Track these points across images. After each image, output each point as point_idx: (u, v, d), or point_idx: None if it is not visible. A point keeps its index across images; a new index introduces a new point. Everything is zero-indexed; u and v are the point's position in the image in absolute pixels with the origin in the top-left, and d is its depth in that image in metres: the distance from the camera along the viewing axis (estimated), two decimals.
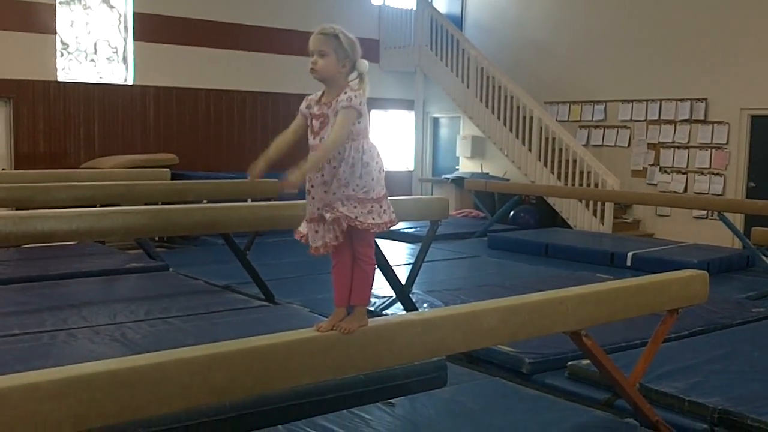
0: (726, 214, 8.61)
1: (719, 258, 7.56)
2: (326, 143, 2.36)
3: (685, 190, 10.97)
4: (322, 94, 2.47)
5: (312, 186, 2.41)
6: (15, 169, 9.85)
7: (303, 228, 2.49)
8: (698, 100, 10.81)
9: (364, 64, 2.45)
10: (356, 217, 2.35)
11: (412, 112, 13.54)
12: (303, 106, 2.50)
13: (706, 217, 10.49)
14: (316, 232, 2.42)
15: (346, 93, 2.38)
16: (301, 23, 11.80)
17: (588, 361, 3.73)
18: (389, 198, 2.46)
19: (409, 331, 2.59)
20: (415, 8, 12.99)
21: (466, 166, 13.37)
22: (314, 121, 2.44)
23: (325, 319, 2.52)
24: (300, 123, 2.51)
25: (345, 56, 2.41)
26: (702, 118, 10.81)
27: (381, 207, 2.40)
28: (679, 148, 11.08)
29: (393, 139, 13.80)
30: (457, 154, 13.62)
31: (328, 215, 2.36)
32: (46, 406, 1.83)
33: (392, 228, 2.48)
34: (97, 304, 4.92)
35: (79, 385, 1.89)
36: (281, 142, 2.49)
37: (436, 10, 13.04)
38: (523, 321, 2.88)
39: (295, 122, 2.51)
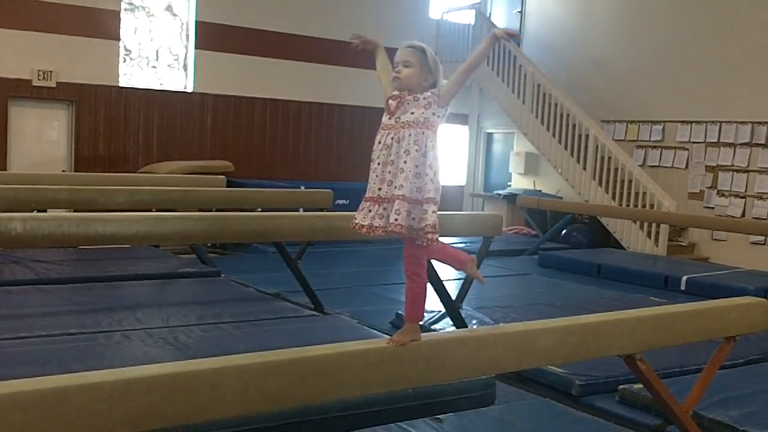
0: None
1: None
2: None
3: (743, 214, 10.74)
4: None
5: (378, 163, 2.42)
6: (74, 171, 10.09)
7: (358, 215, 2.47)
8: (760, 123, 10.59)
9: (444, 84, 2.50)
10: (407, 226, 2.35)
11: (466, 127, 13.52)
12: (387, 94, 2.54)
13: (764, 243, 10.26)
14: (369, 211, 2.42)
15: (428, 91, 2.47)
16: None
17: (639, 386, 3.67)
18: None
19: (462, 348, 2.58)
20: (473, 23, 13.00)
21: (519, 183, 13.29)
22: (391, 101, 2.48)
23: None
24: (386, 79, 2.59)
25: (428, 71, 2.47)
26: (763, 141, 10.57)
27: (425, 209, 2.38)
28: (738, 171, 10.86)
29: (446, 154, 13.80)
30: (509, 170, 13.55)
31: (389, 221, 2.36)
32: (106, 406, 1.87)
33: (437, 241, 2.44)
34: (151, 307, 5.00)
35: (139, 387, 1.93)
36: (383, 60, 2.66)
37: (495, 25, 13.01)
38: (578, 342, 2.85)
39: (388, 76, 2.57)
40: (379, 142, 2.44)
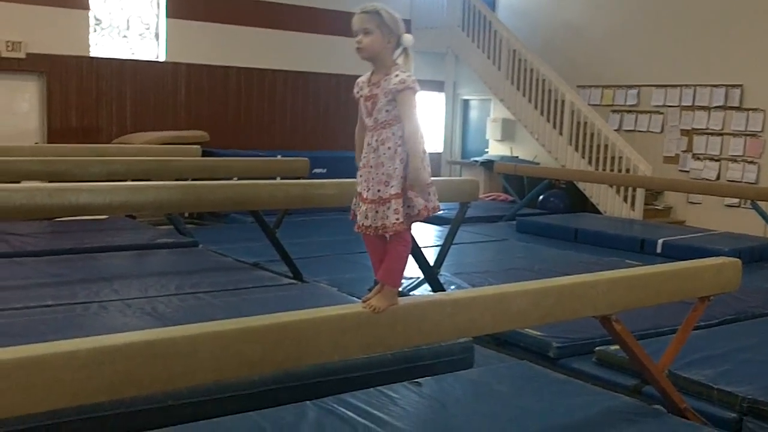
0: (759, 202, 8.51)
1: (751, 247, 7.47)
2: (410, 141, 2.38)
3: (718, 177, 10.84)
4: (371, 74, 2.48)
5: (371, 165, 2.42)
6: (47, 143, 9.96)
7: (359, 218, 2.49)
8: (733, 86, 10.65)
9: (408, 38, 2.46)
10: (406, 217, 2.39)
11: (443, 94, 13.48)
12: (354, 91, 2.51)
13: (739, 206, 10.36)
14: (377, 212, 2.42)
15: (397, 75, 2.40)
16: (336, 2, 11.78)
17: (616, 347, 3.72)
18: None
19: (438, 311, 2.60)
20: None
21: (496, 149, 13.31)
22: (366, 103, 2.46)
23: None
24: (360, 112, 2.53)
25: (389, 32, 2.42)
26: (737, 104, 10.65)
27: (424, 197, 2.43)
28: (712, 134, 10.94)
29: (423, 121, 13.74)
30: (486, 137, 13.55)
31: (380, 224, 2.39)
32: (83, 374, 1.87)
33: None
34: (129, 278, 4.98)
35: (116, 354, 1.92)
36: (359, 140, 2.51)
37: None
38: (552, 304, 2.87)
39: (360, 114, 2.52)
40: (368, 144, 2.44)
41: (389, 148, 2.39)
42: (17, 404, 1.80)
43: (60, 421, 2.79)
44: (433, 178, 2.50)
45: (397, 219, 2.38)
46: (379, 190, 2.40)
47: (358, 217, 2.47)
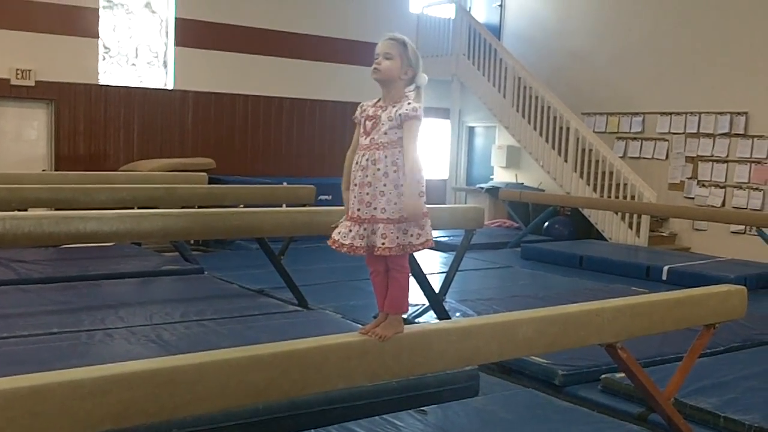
0: (764, 229, 8.50)
1: (757, 274, 7.46)
2: (409, 169, 2.37)
3: (723, 204, 10.83)
4: (378, 100, 2.50)
5: (355, 184, 2.43)
6: (55, 170, 10.02)
7: (336, 234, 2.48)
8: (738, 113, 10.68)
9: (423, 78, 2.49)
10: (396, 245, 2.37)
11: (448, 121, 13.54)
12: (357, 113, 2.52)
13: (744, 233, 10.34)
14: (350, 230, 2.43)
15: (409, 103, 2.42)
16: (340, 31, 11.90)
17: (622, 375, 3.71)
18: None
19: (443, 339, 2.60)
20: (453, 17, 13.00)
21: (501, 176, 13.32)
22: (367, 122, 2.47)
23: (360, 325, 2.54)
24: (357, 136, 2.53)
25: (408, 64, 2.46)
26: (742, 131, 10.67)
27: (419, 227, 2.41)
28: (717, 161, 10.95)
29: (428, 148, 13.80)
30: (492, 164, 13.57)
31: (376, 245, 2.38)
32: (88, 403, 1.87)
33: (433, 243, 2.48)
34: (134, 305, 4.99)
35: (121, 383, 1.93)
36: (349, 164, 2.50)
37: (475, 19, 13.03)
38: (558, 332, 2.87)
39: (354, 137, 2.53)
40: (357, 163, 2.45)
41: (378, 169, 2.39)
42: None
43: None
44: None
45: (383, 244, 2.37)
46: (359, 209, 2.40)
47: (337, 234, 2.46)
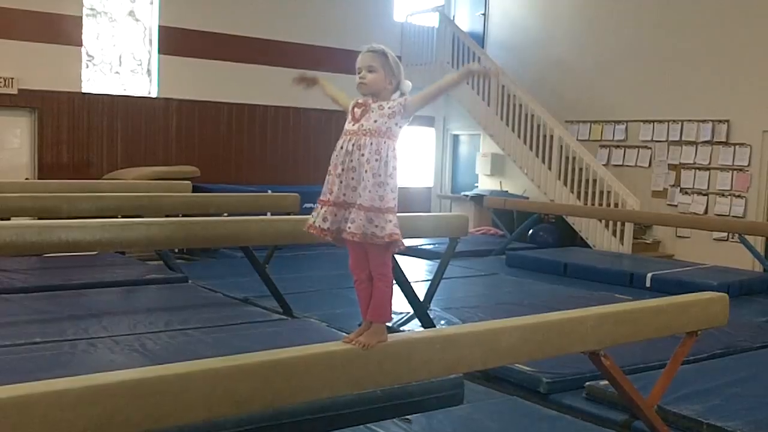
0: (747, 236, 8.56)
1: (739, 281, 7.51)
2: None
3: (706, 211, 10.91)
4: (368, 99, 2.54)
5: (341, 169, 2.44)
6: (38, 179, 9.96)
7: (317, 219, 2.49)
8: (720, 121, 10.77)
9: (407, 84, 2.53)
10: (361, 233, 2.38)
11: (433, 129, 13.58)
12: (350, 104, 2.56)
13: (727, 239, 10.42)
14: (335, 215, 2.44)
15: (401, 95, 2.51)
16: (325, 39, 11.91)
17: (606, 382, 3.71)
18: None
19: (428, 347, 2.61)
20: (437, 26, 13.05)
21: (486, 184, 13.37)
22: (356, 109, 2.51)
23: (344, 334, 2.54)
24: (343, 98, 2.64)
25: (391, 74, 2.50)
26: (724, 139, 10.76)
27: (387, 218, 2.41)
28: (700, 169, 11.03)
29: (413, 156, 13.83)
30: (476, 172, 13.62)
31: (346, 228, 2.40)
32: (71, 414, 1.86)
33: (403, 245, 2.48)
34: (118, 315, 4.96)
35: (105, 393, 1.92)
36: (329, 87, 2.69)
37: (458, 28, 13.09)
38: (541, 340, 2.88)
39: (342, 94, 2.64)
40: (341, 147, 2.46)
41: (363, 155, 2.41)
42: None
43: None
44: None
45: (349, 228, 2.38)
46: (344, 194, 2.42)
47: (315, 219, 2.48)
